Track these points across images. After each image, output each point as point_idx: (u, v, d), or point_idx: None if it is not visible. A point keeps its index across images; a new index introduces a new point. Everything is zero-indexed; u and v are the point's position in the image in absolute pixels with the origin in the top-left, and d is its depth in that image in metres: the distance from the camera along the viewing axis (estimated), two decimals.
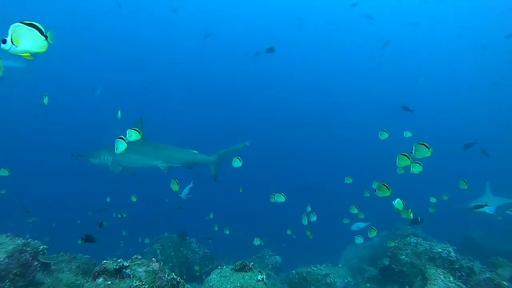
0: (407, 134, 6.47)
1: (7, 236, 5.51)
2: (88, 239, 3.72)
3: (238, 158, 6.09)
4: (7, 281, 5.06)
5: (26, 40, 2.82)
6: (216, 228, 8.53)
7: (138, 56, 36.10)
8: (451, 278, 5.06)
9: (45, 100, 5.26)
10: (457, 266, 6.30)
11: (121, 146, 4.46)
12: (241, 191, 7.64)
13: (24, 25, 2.79)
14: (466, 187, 6.55)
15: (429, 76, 35.25)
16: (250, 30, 37.06)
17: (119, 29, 35.16)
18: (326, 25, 35.39)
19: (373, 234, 6.52)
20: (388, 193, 4.87)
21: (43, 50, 2.92)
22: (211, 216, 8.42)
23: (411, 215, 5.60)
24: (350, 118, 34.56)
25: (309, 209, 7.29)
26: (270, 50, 12.98)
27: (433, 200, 7.54)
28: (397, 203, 5.07)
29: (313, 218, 6.90)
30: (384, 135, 6.28)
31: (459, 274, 6.11)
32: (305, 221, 6.49)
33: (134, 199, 7.25)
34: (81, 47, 31.45)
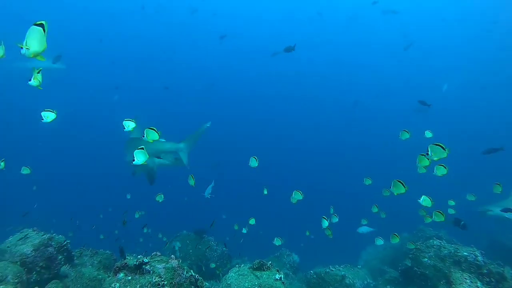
0: (428, 134, 6.31)
1: (34, 230, 5.74)
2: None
3: (255, 158, 5.99)
4: (34, 273, 5.27)
5: (34, 41, 2.87)
6: (236, 228, 8.55)
7: (158, 57, 36.70)
8: (479, 284, 4.83)
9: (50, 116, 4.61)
10: (485, 271, 5.99)
11: (141, 157, 4.35)
12: (266, 192, 7.46)
13: (33, 26, 2.84)
14: (500, 190, 6.26)
15: (455, 73, 33.90)
16: (269, 30, 36.85)
17: (140, 30, 35.85)
18: (347, 23, 34.68)
19: (395, 240, 6.40)
20: (403, 190, 4.84)
21: (45, 47, 2.95)
22: (253, 221, 8.24)
23: (443, 218, 5.38)
24: (371, 118, 33.77)
25: (332, 210, 7.19)
26: (289, 49, 12.75)
27: (451, 203, 7.27)
28: (424, 200, 4.92)
29: (335, 219, 6.81)
30: (405, 135, 6.18)
31: (488, 279, 5.80)
32: (325, 225, 6.40)
33: (160, 199, 7.18)
34: (103, 48, 32.22)
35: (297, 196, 6.13)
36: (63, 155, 25.34)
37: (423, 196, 4.97)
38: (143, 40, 36.01)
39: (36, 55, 2.96)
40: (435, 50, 34.95)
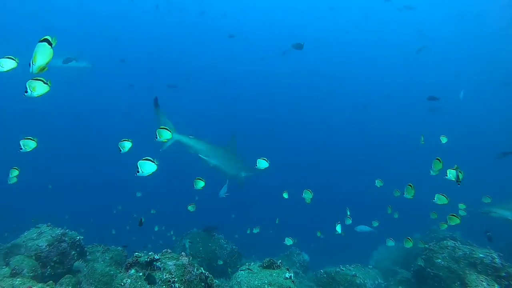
0: (444, 139, 6.25)
1: (48, 226, 5.85)
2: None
3: (265, 159, 5.86)
4: (48, 267, 5.38)
5: (39, 55, 3.02)
6: (248, 232, 8.55)
7: (170, 56, 36.93)
8: (497, 287, 4.67)
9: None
10: (503, 274, 5.73)
11: (150, 167, 4.16)
12: (286, 196, 7.30)
13: (39, 42, 3.00)
14: None
15: (473, 71, 32.95)
16: (279, 29, 36.59)
17: (154, 30, 36.16)
18: (360, 21, 34.13)
19: (409, 244, 6.33)
20: (412, 193, 4.95)
21: (50, 58, 3.08)
22: (277, 221, 8.22)
23: (459, 220, 5.28)
24: (382, 118, 33.21)
25: (348, 212, 7.13)
26: (298, 46, 12.49)
27: (462, 206, 7.12)
28: (438, 198, 4.82)
29: (349, 221, 6.78)
30: (421, 139, 6.27)
31: (507, 283, 5.56)
32: (339, 230, 6.34)
33: (192, 209, 7.06)
34: (116, 47, 32.61)
35: (307, 195, 6.10)
36: (74, 155, 25.73)
37: (436, 194, 4.85)
38: (156, 39, 36.28)
39: (41, 69, 3.10)
40: (452, 48, 34.01)
